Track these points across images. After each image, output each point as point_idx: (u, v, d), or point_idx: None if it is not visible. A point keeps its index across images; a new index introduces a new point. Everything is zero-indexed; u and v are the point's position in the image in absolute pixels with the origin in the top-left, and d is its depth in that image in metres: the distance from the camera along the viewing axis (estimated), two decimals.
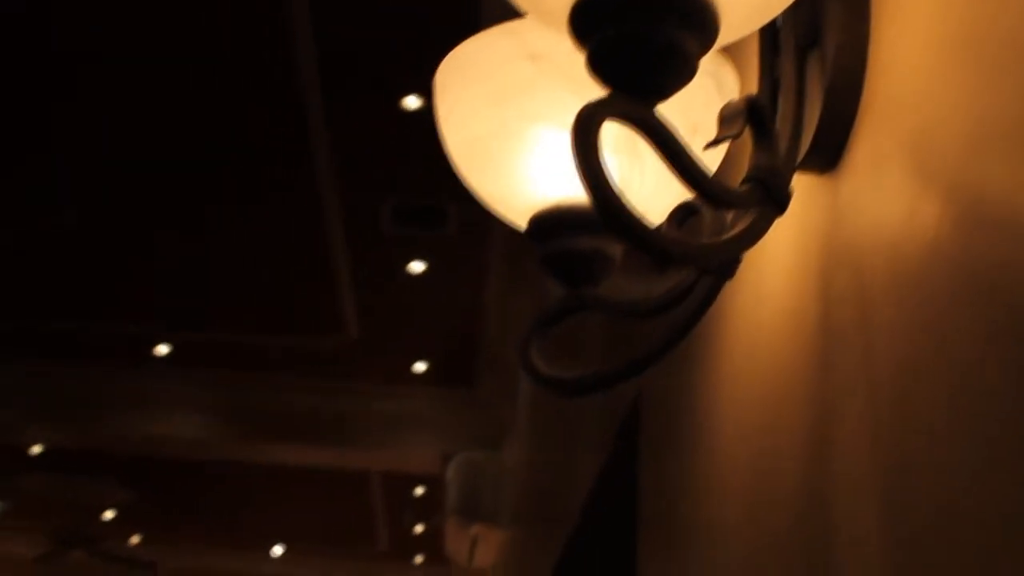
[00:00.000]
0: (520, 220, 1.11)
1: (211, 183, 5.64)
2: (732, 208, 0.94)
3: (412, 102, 4.79)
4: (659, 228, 0.99)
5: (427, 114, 4.75)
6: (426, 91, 4.23)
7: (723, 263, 0.99)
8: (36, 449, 9.73)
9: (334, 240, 6.02)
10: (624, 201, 0.82)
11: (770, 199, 0.92)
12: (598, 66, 0.85)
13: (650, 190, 1.03)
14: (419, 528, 11.27)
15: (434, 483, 9.23)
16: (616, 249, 1.05)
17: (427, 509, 10.45)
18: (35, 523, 11.40)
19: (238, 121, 5.13)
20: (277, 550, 13.19)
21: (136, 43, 4.75)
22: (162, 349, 7.65)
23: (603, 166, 0.81)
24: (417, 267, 6.24)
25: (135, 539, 13.01)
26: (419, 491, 9.93)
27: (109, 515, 11.96)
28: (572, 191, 1.03)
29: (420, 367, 7.58)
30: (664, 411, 1.99)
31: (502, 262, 6.12)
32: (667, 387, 1.92)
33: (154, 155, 5.42)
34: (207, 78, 4.84)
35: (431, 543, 11.64)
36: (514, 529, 6.61)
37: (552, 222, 1.04)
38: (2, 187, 5.83)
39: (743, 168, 0.94)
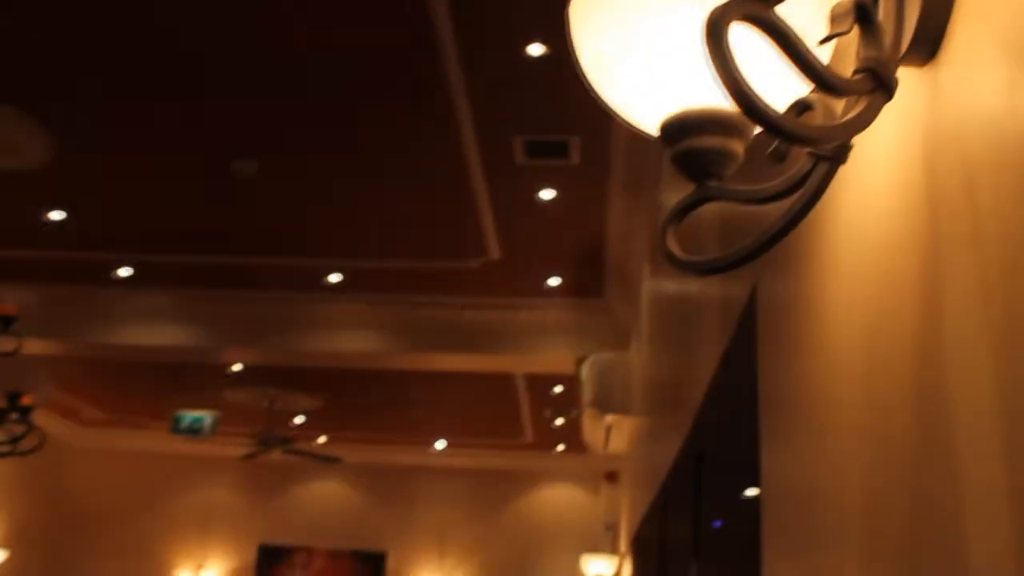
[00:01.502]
0: (650, 126, 1.09)
1: (367, 134, 5.68)
2: (846, 95, 0.92)
3: (536, 49, 4.75)
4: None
5: (550, 59, 4.73)
6: (549, 38, 4.20)
7: (837, 148, 0.97)
8: (237, 367, 10.02)
9: (474, 175, 6.03)
10: (756, 91, 0.81)
11: (880, 86, 0.90)
12: None
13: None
14: (559, 421, 11.35)
15: (570, 382, 9.27)
16: (738, 146, 1.03)
17: (565, 404, 10.52)
18: (240, 428, 11.76)
19: (387, 77, 5.15)
20: (439, 444, 13.42)
21: (296, 10, 4.79)
22: (335, 276, 7.78)
23: (735, 62, 0.80)
24: (547, 194, 6.22)
25: (322, 439, 13.36)
26: (558, 389, 9.98)
27: (299, 420, 12.31)
28: (695, 99, 1.01)
29: (554, 281, 7.59)
30: (780, 301, 1.95)
31: (621, 187, 6.08)
32: (782, 278, 1.88)
33: (319, 111, 5.47)
34: (358, 41, 4.85)
35: (570, 433, 11.74)
36: (642, 417, 6.62)
37: (681, 125, 1.02)
38: (193, 142, 5.94)
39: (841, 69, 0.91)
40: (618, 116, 1.12)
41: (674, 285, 4.71)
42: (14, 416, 5.26)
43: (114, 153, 6.10)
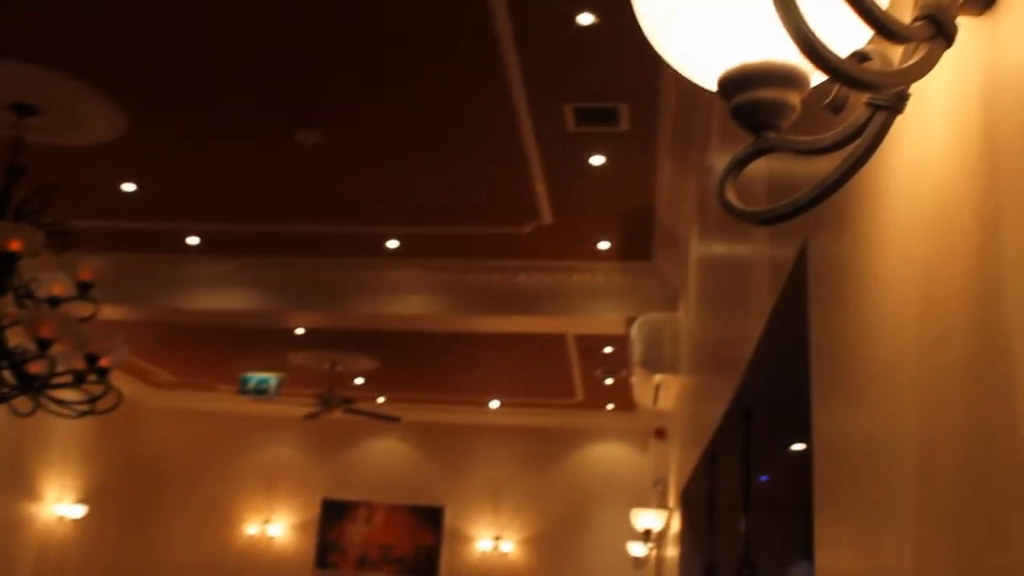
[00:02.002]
0: (708, 81, 1.07)
1: (424, 106, 5.68)
2: (906, 42, 0.91)
3: (586, 18, 4.71)
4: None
5: (600, 29, 4.68)
6: (598, 8, 4.15)
7: (894, 97, 0.95)
8: (300, 331, 10.11)
9: (527, 143, 6.01)
10: (820, 37, 0.81)
11: (939, 33, 0.89)
12: None
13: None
14: (609, 381, 11.35)
15: (620, 342, 9.26)
16: (795, 98, 1.02)
17: (615, 364, 10.51)
18: (303, 389, 11.88)
19: (442, 51, 5.13)
20: (494, 403, 13.47)
21: None
22: (393, 243, 7.81)
23: (799, 9, 0.79)
24: (597, 160, 6.19)
25: (381, 399, 13.46)
26: (608, 350, 9.97)
27: (359, 381, 12.40)
28: (753, 53, 1.00)
29: (604, 245, 7.57)
30: (831, 257, 1.91)
31: (668, 152, 6.03)
32: (833, 234, 1.84)
33: (377, 83, 5.47)
34: (414, 15, 4.84)
35: (619, 393, 11.74)
36: (690, 376, 6.60)
37: (739, 78, 1.01)
38: (258, 114, 5.98)
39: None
40: (679, 70, 1.11)
41: (722, 247, 4.67)
42: (92, 377, 5.32)
43: (182, 127, 6.15)
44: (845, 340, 1.76)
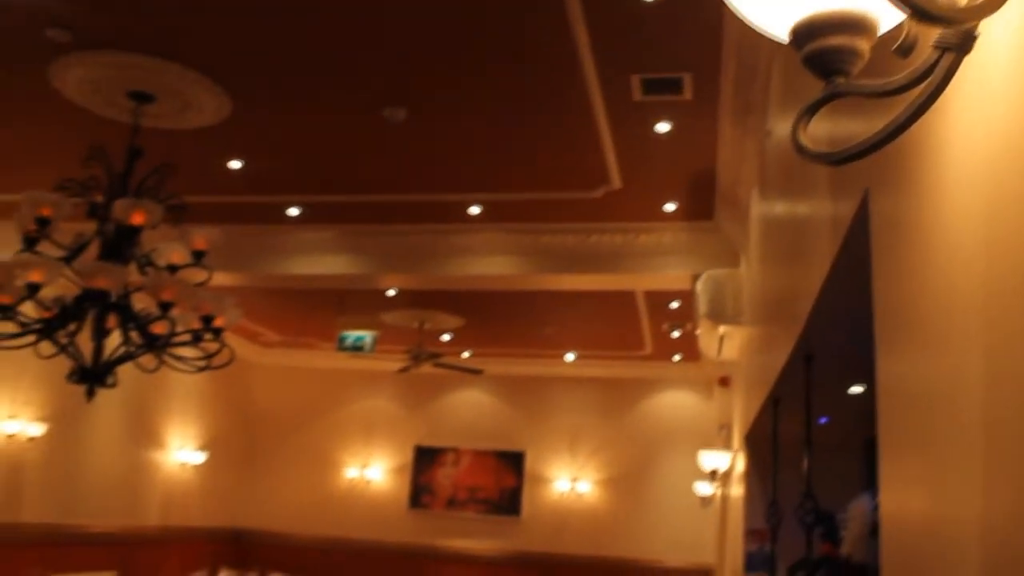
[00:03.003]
0: (781, 31, 1.05)
1: (501, 81, 5.65)
2: None
3: None
4: None
5: (664, 3, 4.58)
6: None
7: (963, 37, 0.92)
8: (391, 292, 10.20)
9: (597, 113, 5.96)
10: None
11: None
12: None
13: None
14: (676, 334, 11.28)
15: (685, 297, 9.19)
16: (864, 44, 0.99)
17: (681, 318, 10.44)
18: (395, 346, 11.99)
19: (516, 28, 5.10)
20: (569, 356, 13.47)
21: None
22: (475, 209, 7.81)
23: None
24: (663, 128, 6.11)
25: (466, 353, 13.54)
26: (674, 305, 9.91)
27: (446, 337, 12.48)
28: (823, 3, 0.98)
29: (670, 207, 7.49)
30: (894, 207, 1.84)
31: (730, 118, 5.94)
32: (896, 184, 1.77)
33: (456, 61, 5.46)
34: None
35: (685, 345, 11.66)
36: (753, 326, 6.53)
37: (811, 27, 0.99)
38: (348, 93, 6.00)
39: None
40: (752, 24, 1.08)
41: (783, 205, 4.59)
42: (208, 336, 5.43)
43: (282, 108, 6.21)
44: (908, 289, 1.70)
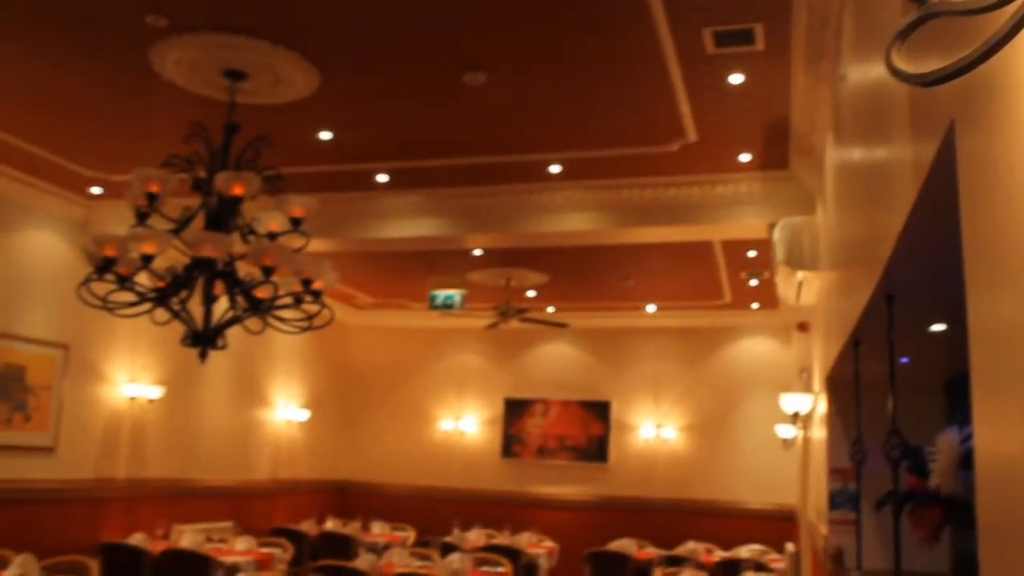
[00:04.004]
0: None
1: (576, 42, 5.58)
2: None
3: None
4: None
5: None
6: None
7: None
8: (478, 252, 10.24)
9: (671, 68, 5.86)
10: None
11: None
12: None
13: None
14: (753, 282, 11.13)
15: (762, 246, 9.05)
16: None
17: (758, 266, 10.29)
18: (483, 303, 12.07)
19: None
20: (650, 307, 13.40)
21: None
22: (555, 168, 7.78)
23: None
24: (736, 79, 5.99)
25: (550, 308, 13.56)
26: (751, 254, 9.76)
27: (531, 293, 12.51)
28: None
29: (745, 157, 7.35)
30: (983, 142, 1.75)
31: (802, 66, 5.78)
32: (986, 116, 1.69)
33: (532, 24, 5.41)
34: None
35: (763, 292, 11.50)
36: (830, 271, 6.39)
37: None
38: (430, 61, 6.00)
39: None
40: None
41: (860, 150, 4.46)
42: (308, 299, 5.51)
43: (367, 79, 6.23)
44: (1001, 226, 1.62)
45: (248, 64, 5.93)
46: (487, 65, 5.94)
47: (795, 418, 9.96)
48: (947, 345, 4.53)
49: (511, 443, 14.26)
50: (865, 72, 3.77)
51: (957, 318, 3.97)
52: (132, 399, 10.02)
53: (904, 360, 5.17)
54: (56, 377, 9.08)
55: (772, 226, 7.69)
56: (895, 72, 0.95)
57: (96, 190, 8.90)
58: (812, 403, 8.86)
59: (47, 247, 9.05)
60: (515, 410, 14.31)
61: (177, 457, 10.77)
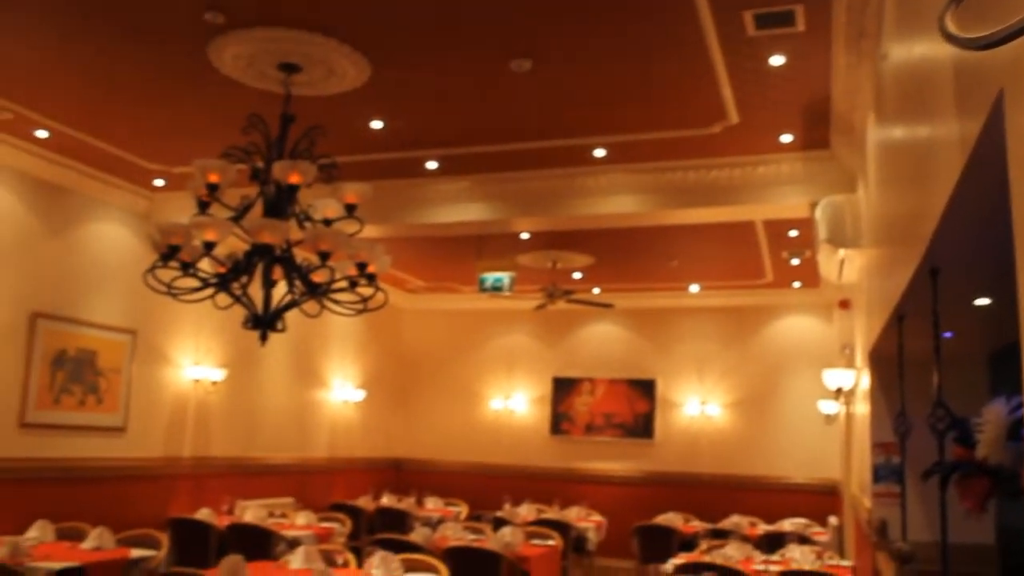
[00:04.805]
0: None
1: (620, 28, 5.53)
2: None
3: None
4: None
5: None
6: None
7: None
8: (525, 235, 10.23)
9: (713, 51, 5.79)
10: None
11: None
12: None
13: None
14: (795, 261, 10.99)
15: (804, 226, 8.93)
16: None
17: (800, 246, 10.16)
18: (531, 285, 12.07)
19: None
20: (693, 287, 13.30)
21: None
22: (599, 152, 7.74)
23: None
24: (777, 61, 5.90)
25: (596, 290, 13.52)
26: (793, 233, 9.64)
27: (577, 275, 12.48)
28: None
29: (786, 138, 7.25)
30: None
31: (843, 46, 5.68)
32: None
33: (575, 11, 5.37)
34: None
35: (805, 271, 11.36)
36: (873, 248, 6.29)
37: None
38: (476, 51, 5.98)
39: None
40: None
41: (902, 127, 4.37)
42: (363, 282, 5.54)
43: (416, 68, 6.24)
44: None
45: (302, 57, 5.97)
46: (533, 52, 5.91)
47: (838, 394, 9.84)
48: (991, 319, 4.44)
49: (559, 421, 14.26)
50: (908, 49, 3.68)
51: (1001, 292, 3.88)
52: (196, 381, 10.18)
53: (947, 335, 5.07)
54: (125, 361, 9.25)
55: (814, 205, 7.58)
56: (949, 37, 0.92)
57: (159, 182, 9.05)
58: (855, 379, 8.74)
59: (114, 238, 9.21)
60: (563, 389, 14.31)
61: (240, 436, 10.93)
